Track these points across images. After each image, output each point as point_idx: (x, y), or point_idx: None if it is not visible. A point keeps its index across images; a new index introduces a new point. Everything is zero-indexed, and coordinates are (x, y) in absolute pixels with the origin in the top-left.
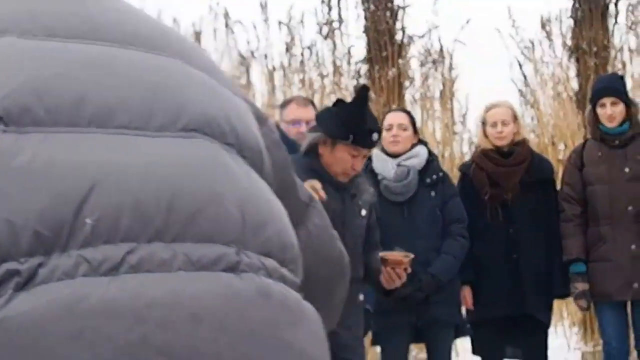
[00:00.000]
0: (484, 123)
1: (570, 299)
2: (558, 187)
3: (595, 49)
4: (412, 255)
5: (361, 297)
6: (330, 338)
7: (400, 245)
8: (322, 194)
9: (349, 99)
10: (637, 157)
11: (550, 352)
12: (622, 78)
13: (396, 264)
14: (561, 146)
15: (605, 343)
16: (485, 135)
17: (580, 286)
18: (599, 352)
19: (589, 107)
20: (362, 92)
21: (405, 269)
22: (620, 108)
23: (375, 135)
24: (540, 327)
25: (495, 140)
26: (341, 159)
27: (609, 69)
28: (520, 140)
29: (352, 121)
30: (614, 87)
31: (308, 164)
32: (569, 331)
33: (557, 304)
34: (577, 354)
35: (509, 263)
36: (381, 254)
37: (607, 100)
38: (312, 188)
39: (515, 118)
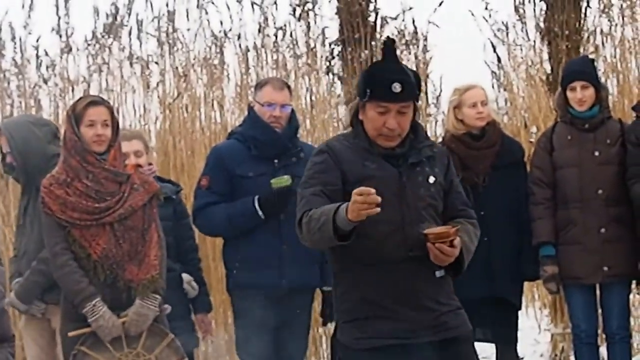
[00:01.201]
0: (457, 106)
1: (541, 281)
2: (529, 169)
3: (567, 32)
4: (455, 227)
5: (437, 273)
6: None
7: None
8: (375, 199)
9: (322, 81)
10: (607, 140)
11: (520, 334)
12: (592, 61)
13: (438, 238)
14: (533, 129)
15: (574, 326)
16: (457, 118)
17: (550, 269)
18: (569, 334)
19: (559, 90)
20: (385, 45)
21: (451, 243)
22: (591, 92)
23: (396, 86)
24: (510, 309)
25: (475, 122)
26: (371, 120)
27: (581, 52)
28: (491, 122)
29: (369, 75)
30: (585, 70)
31: (355, 143)
32: (540, 313)
33: (527, 286)
34: (547, 335)
35: (479, 245)
36: (424, 231)
37: (577, 84)
38: (363, 195)
39: (487, 100)
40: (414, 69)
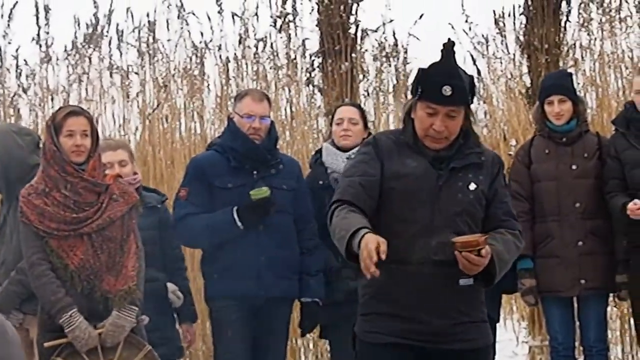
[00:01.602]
0: None
1: (519, 294)
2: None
3: (547, 45)
4: (484, 236)
5: (462, 281)
6: None
7: None
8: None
9: (303, 92)
10: (584, 154)
11: (498, 346)
12: (570, 75)
13: (466, 247)
14: (512, 142)
15: (552, 338)
16: None
17: (528, 282)
18: (547, 346)
19: (536, 104)
20: (443, 46)
21: (479, 252)
22: (568, 106)
23: (446, 89)
24: (489, 322)
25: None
26: (420, 119)
27: (561, 66)
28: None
29: (423, 74)
30: (562, 84)
31: (401, 139)
32: (518, 325)
33: (506, 298)
34: (525, 348)
35: None
36: (453, 239)
37: (555, 98)
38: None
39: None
40: (394, 81)
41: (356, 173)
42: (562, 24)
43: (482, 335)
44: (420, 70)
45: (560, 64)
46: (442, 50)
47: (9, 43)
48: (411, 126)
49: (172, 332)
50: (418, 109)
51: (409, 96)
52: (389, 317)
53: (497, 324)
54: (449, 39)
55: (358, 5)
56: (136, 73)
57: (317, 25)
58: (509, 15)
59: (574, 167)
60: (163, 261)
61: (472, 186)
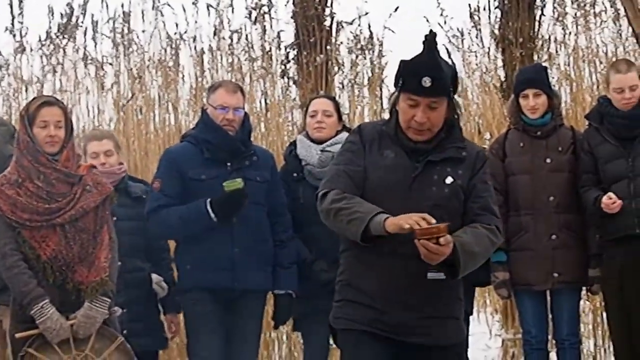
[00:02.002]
0: None
1: (492, 287)
2: None
3: (521, 39)
4: (445, 223)
5: (430, 275)
6: None
7: (325, 230)
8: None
9: (278, 84)
10: (559, 148)
11: (471, 339)
12: (545, 69)
13: (424, 234)
14: (487, 135)
15: (525, 331)
16: None
17: (501, 275)
18: (520, 339)
19: (511, 97)
20: (426, 38)
21: (437, 240)
22: (543, 100)
23: (426, 81)
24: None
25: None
26: (402, 111)
27: (535, 60)
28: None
29: (404, 66)
30: (537, 78)
31: (384, 130)
32: (491, 319)
33: (479, 291)
34: (498, 341)
35: None
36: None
37: (529, 92)
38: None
39: None
40: (369, 73)
41: (342, 162)
42: (537, 18)
43: (450, 332)
44: (402, 62)
45: (535, 57)
46: (423, 42)
47: None
48: (395, 118)
49: (156, 323)
50: (400, 100)
51: (384, 89)
52: (359, 306)
53: (471, 317)
54: (431, 30)
55: None
56: (110, 64)
57: (292, 17)
58: (484, 9)
59: (548, 160)
60: (148, 252)
61: (449, 180)
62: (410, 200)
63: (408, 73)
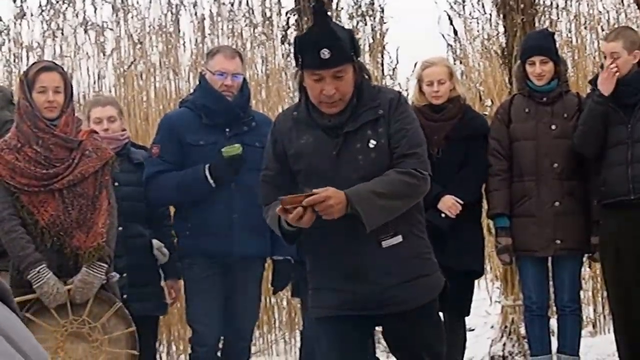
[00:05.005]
0: (419, 80)
1: (493, 253)
2: None
3: (522, 5)
4: (308, 194)
5: (384, 244)
6: None
7: None
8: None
9: (278, 50)
10: (564, 114)
11: (472, 305)
12: (552, 35)
13: (291, 203)
14: (488, 102)
15: (526, 297)
16: (420, 91)
17: (504, 241)
18: (519, 306)
19: (517, 63)
20: (315, 10)
21: (297, 206)
22: (549, 66)
23: (324, 53)
24: (464, 283)
25: (432, 99)
26: (309, 87)
27: (537, 26)
28: (455, 96)
29: (299, 43)
30: (544, 45)
31: (297, 115)
32: (491, 285)
33: None
34: (497, 307)
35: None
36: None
37: (536, 59)
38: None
39: (451, 76)
40: (371, 40)
41: (264, 167)
42: None
43: (422, 290)
44: (297, 39)
45: (536, 24)
46: (313, 14)
47: None
48: (305, 97)
49: (157, 288)
50: (305, 78)
51: (385, 56)
52: (326, 291)
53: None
54: (317, 1)
55: None
56: (111, 29)
57: None
58: None
59: (553, 127)
60: (149, 218)
61: (372, 143)
62: (339, 177)
63: (305, 48)
